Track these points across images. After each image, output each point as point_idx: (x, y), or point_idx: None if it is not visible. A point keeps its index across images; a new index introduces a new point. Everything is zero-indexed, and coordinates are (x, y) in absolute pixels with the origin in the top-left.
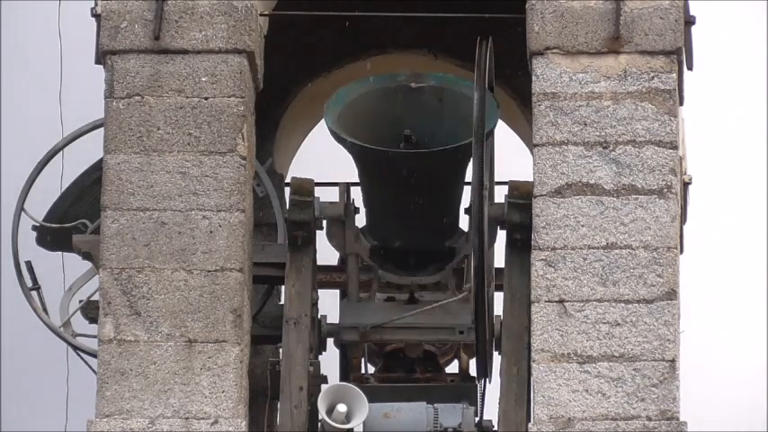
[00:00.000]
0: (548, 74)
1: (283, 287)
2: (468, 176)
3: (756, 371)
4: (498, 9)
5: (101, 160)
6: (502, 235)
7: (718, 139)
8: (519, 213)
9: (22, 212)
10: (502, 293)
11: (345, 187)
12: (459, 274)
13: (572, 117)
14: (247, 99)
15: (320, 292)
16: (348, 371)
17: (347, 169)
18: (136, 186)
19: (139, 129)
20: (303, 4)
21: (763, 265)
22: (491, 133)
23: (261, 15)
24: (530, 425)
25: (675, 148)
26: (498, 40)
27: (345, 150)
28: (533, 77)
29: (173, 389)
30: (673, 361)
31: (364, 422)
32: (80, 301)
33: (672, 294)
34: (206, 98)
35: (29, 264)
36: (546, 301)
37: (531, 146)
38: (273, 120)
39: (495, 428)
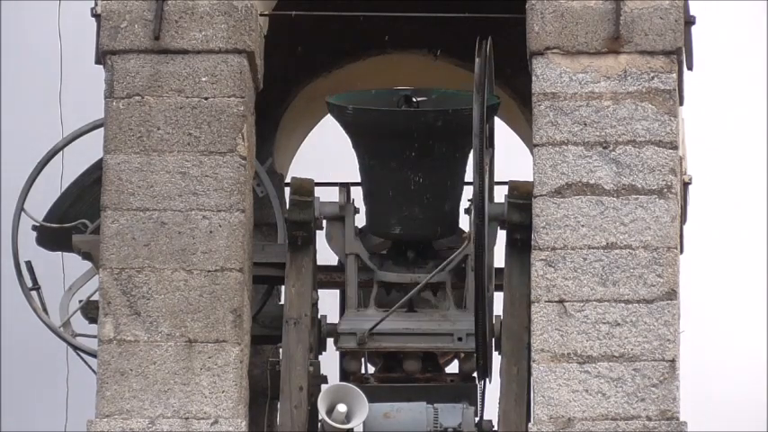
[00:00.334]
0: (548, 74)
1: (283, 287)
2: (468, 177)
3: (756, 371)
4: (498, 9)
5: (101, 160)
6: (502, 235)
7: (718, 139)
8: (519, 213)
9: (22, 212)
10: (502, 293)
11: (345, 187)
12: (460, 275)
13: (572, 117)
14: (247, 99)
15: (320, 292)
16: (347, 375)
17: (347, 169)
18: (136, 186)
19: (139, 129)
20: (303, 4)
21: (763, 265)
22: (494, 109)
23: (261, 15)
24: (530, 425)
25: (675, 148)
26: (498, 40)
27: (344, 151)
28: (533, 77)
29: (173, 389)
30: (673, 361)
31: (364, 422)
32: (80, 301)
33: (672, 294)
34: (206, 98)
35: (29, 264)
36: (546, 301)
37: (531, 146)
38: (273, 120)
39: (495, 428)
